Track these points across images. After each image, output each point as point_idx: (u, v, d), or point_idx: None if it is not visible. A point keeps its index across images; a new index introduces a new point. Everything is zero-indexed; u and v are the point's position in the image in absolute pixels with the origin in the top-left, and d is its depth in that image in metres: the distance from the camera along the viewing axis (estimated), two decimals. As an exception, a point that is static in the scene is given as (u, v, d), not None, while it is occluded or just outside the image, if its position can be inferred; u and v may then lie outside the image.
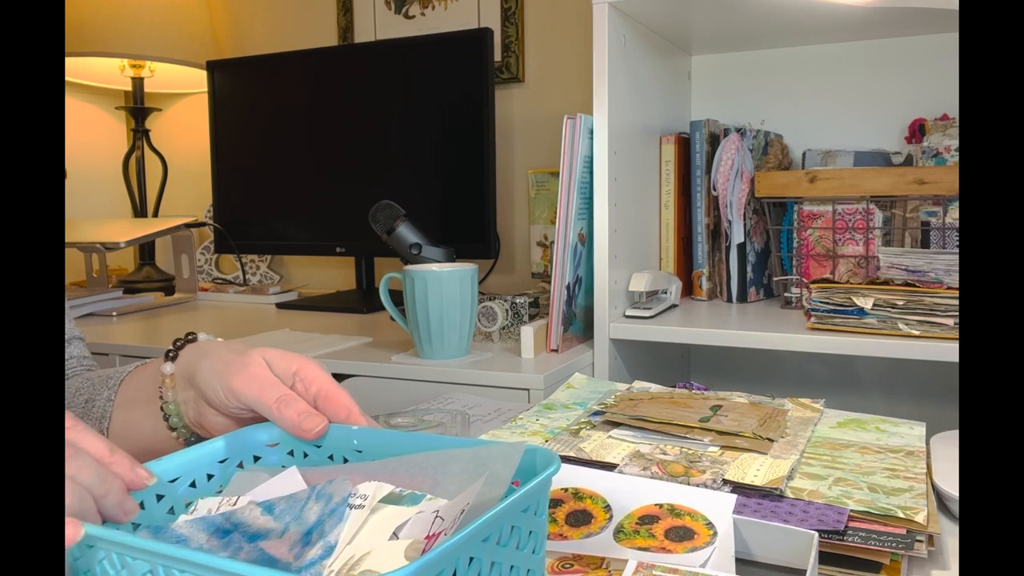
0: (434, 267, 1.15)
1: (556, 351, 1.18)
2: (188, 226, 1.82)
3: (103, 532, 0.37)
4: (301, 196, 1.77)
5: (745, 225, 1.34)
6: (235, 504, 0.46)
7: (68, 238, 1.70)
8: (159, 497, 0.48)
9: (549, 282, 1.25)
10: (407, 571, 0.32)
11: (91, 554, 0.38)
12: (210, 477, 0.51)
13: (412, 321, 1.14)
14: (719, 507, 0.56)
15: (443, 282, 1.11)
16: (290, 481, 0.48)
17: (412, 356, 1.17)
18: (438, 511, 0.42)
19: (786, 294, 1.32)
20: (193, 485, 0.50)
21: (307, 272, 2.10)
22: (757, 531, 0.55)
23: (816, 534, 0.52)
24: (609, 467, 0.64)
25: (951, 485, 0.64)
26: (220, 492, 0.51)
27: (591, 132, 1.17)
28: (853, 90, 1.47)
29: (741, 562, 0.55)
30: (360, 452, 0.52)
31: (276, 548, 0.42)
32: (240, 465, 0.53)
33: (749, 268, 1.37)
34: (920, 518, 0.55)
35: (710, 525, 0.55)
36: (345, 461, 0.53)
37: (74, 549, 0.38)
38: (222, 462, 0.52)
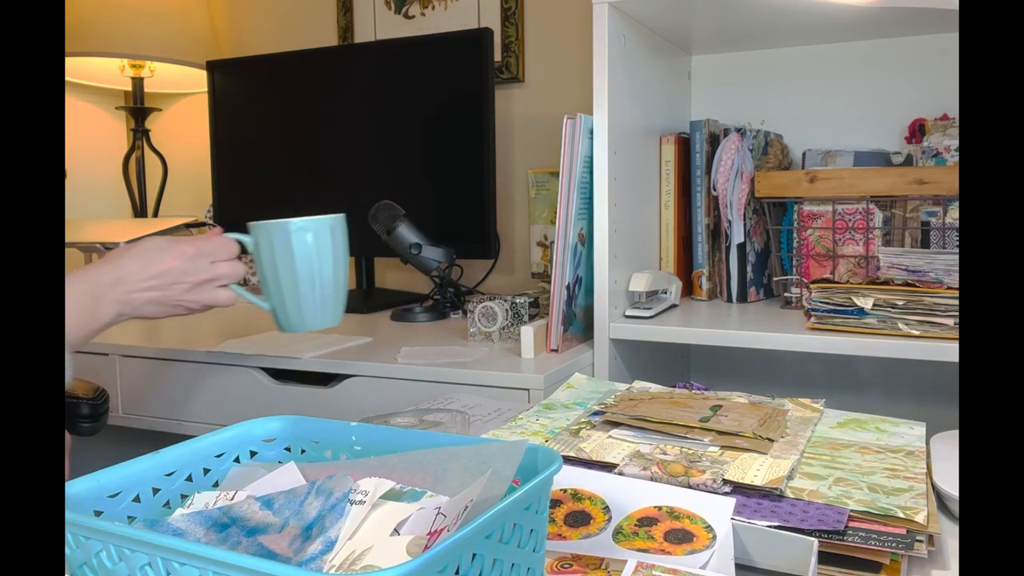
0: (284, 220, 0.93)
1: (556, 351, 1.18)
2: (188, 226, 1.82)
3: (101, 524, 0.37)
4: (301, 196, 1.77)
5: (745, 225, 1.34)
6: (233, 498, 0.46)
7: (68, 238, 1.70)
8: (155, 491, 0.48)
9: (549, 282, 1.25)
10: (411, 566, 0.32)
11: (89, 547, 0.38)
12: (206, 472, 0.51)
13: (264, 286, 0.93)
14: (718, 510, 0.56)
15: (295, 236, 0.90)
16: (288, 476, 0.48)
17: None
18: (440, 507, 0.42)
19: (786, 294, 1.32)
20: (189, 479, 0.50)
21: (307, 272, 2.09)
22: (756, 537, 0.54)
23: (815, 541, 0.52)
24: (609, 467, 0.64)
25: (951, 485, 0.64)
26: (216, 487, 0.51)
27: (591, 132, 1.17)
28: (853, 90, 1.47)
29: (741, 567, 0.55)
30: (359, 450, 0.52)
31: (275, 543, 0.42)
32: (237, 460, 0.53)
33: (749, 268, 1.37)
34: (920, 518, 0.55)
35: (709, 528, 0.55)
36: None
37: (71, 540, 0.38)
38: (218, 456, 0.52)
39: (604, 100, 1.16)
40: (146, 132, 2.06)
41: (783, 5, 1.22)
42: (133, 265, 0.90)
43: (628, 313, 1.22)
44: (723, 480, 0.60)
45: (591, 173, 1.18)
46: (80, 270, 0.90)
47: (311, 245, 0.91)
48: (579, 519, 0.57)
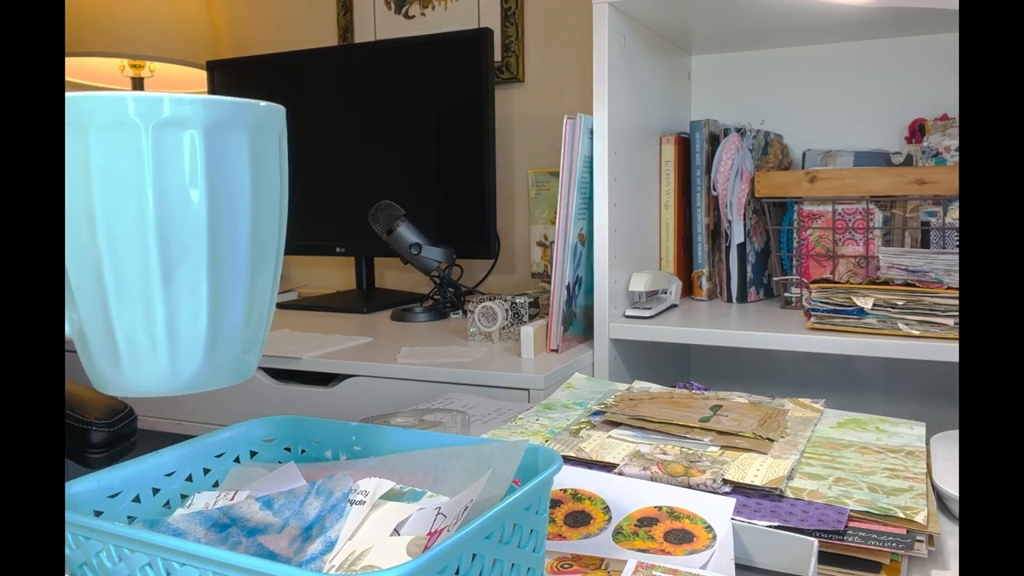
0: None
1: (556, 351, 1.18)
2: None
3: (101, 524, 0.37)
4: (301, 196, 1.77)
5: (745, 225, 1.34)
6: (233, 499, 0.46)
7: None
8: (155, 491, 0.48)
9: (549, 282, 1.25)
10: (411, 567, 0.32)
11: (89, 547, 0.38)
12: (206, 472, 0.51)
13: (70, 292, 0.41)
14: (718, 511, 0.56)
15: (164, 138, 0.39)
16: (288, 476, 0.48)
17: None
18: (440, 508, 0.42)
19: (786, 294, 1.32)
20: (189, 479, 0.50)
21: (307, 272, 2.10)
22: (756, 537, 0.54)
23: (815, 541, 0.52)
24: (609, 467, 0.64)
25: (951, 485, 0.64)
26: (216, 487, 0.51)
27: (591, 132, 1.17)
28: (853, 90, 1.47)
29: (741, 567, 0.55)
30: (359, 450, 0.52)
31: (275, 543, 0.42)
32: (237, 460, 0.53)
33: (749, 268, 1.37)
34: (920, 518, 0.55)
35: (709, 528, 0.55)
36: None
37: (71, 540, 0.38)
38: (218, 456, 0.52)
39: (604, 100, 1.16)
40: (146, 132, 2.06)
41: (783, 5, 1.22)
42: None
43: (628, 313, 1.22)
44: (723, 480, 0.60)
45: (591, 173, 1.18)
46: None
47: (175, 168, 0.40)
48: (579, 519, 0.57)
